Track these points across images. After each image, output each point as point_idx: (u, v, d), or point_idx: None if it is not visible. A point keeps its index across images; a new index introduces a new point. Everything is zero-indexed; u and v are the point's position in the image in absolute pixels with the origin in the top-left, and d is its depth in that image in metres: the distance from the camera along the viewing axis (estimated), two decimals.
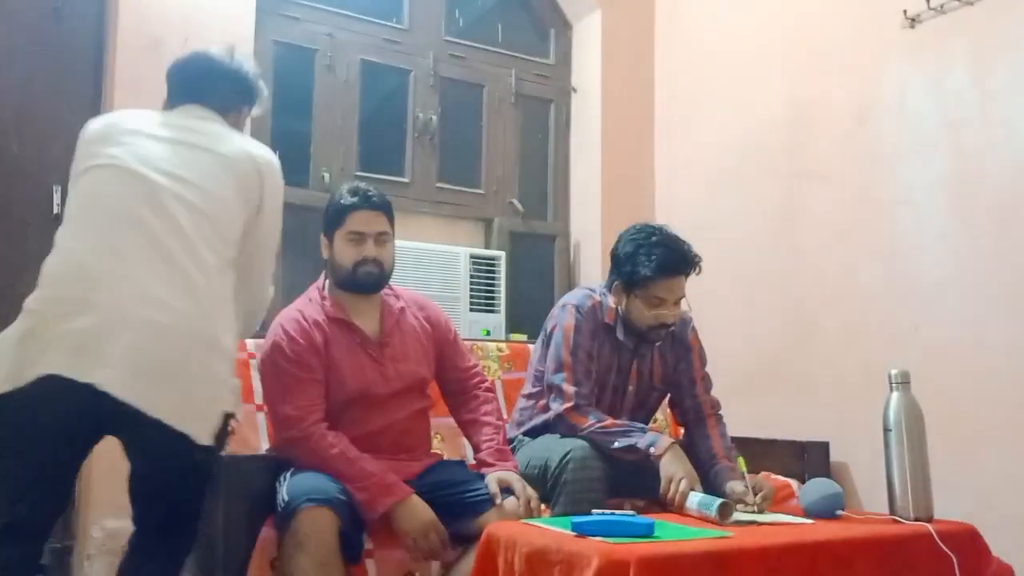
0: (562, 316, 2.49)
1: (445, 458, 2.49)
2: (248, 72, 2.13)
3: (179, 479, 1.82)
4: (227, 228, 1.88)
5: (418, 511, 2.08)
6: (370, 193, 2.32)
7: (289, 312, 2.29)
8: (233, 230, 1.89)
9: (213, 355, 1.78)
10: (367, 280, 2.29)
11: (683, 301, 2.46)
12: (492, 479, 2.21)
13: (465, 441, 2.53)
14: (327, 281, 2.36)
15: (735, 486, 2.27)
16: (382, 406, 2.27)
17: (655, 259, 2.37)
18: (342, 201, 2.30)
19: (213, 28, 3.19)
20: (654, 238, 2.40)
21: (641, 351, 2.53)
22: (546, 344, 2.52)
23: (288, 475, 2.09)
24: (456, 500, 2.19)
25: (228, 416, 1.83)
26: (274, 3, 3.49)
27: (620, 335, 2.49)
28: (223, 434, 1.83)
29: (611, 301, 2.49)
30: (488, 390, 2.48)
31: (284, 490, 2.04)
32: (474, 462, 2.38)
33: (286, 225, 3.09)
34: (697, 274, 2.44)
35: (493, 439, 2.34)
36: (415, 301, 2.49)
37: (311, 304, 2.31)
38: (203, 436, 1.74)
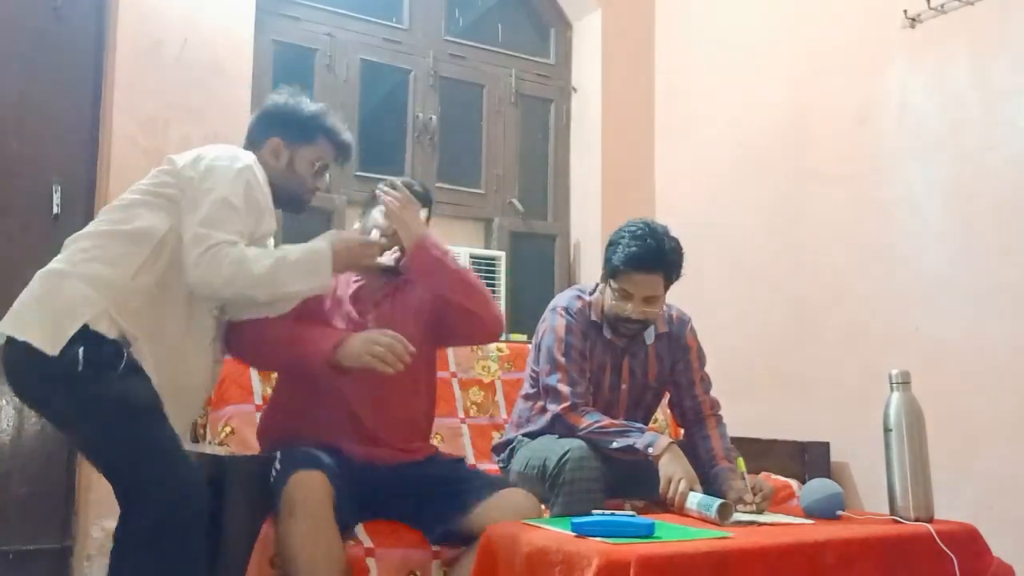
0: (552, 319, 2.50)
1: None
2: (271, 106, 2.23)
3: (40, 394, 1.91)
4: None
5: (358, 337, 2.06)
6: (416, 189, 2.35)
7: None
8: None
9: (55, 279, 1.89)
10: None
11: (656, 301, 2.41)
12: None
13: (465, 441, 2.52)
14: None
15: (735, 486, 2.27)
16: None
17: (627, 252, 2.36)
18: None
19: (213, 28, 3.20)
20: (638, 232, 2.39)
21: (632, 349, 2.53)
22: (539, 347, 2.52)
23: (279, 455, 2.07)
24: (455, 492, 2.16)
25: (89, 330, 1.83)
26: (274, 3, 3.49)
27: (607, 333, 2.49)
28: (96, 355, 1.83)
29: (599, 289, 2.50)
30: None
31: (276, 463, 2.03)
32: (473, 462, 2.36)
33: (286, 224, 3.09)
34: (676, 278, 2.42)
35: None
36: None
37: None
38: (45, 344, 1.80)
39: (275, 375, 2.42)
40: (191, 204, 1.93)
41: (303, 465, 1.95)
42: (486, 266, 3.73)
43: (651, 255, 2.36)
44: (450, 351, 2.98)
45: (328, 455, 2.05)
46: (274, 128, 2.16)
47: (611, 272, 2.41)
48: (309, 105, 2.20)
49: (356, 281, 2.31)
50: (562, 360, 2.42)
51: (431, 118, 3.85)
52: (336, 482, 1.97)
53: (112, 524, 1.88)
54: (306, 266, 2.01)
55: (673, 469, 2.23)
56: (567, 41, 4.25)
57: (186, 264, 1.90)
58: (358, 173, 3.67)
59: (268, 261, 1.95)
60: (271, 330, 2.09)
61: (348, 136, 2.25)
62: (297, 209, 2.25)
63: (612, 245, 2.42)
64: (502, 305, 3.72)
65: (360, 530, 2.06)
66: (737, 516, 2.06)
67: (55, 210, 2.99)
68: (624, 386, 2.54)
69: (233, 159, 2.00)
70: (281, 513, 1.93)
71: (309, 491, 1.91)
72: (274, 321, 2.08)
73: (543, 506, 2.21)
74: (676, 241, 2.43)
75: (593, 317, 2.49)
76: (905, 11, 3.06)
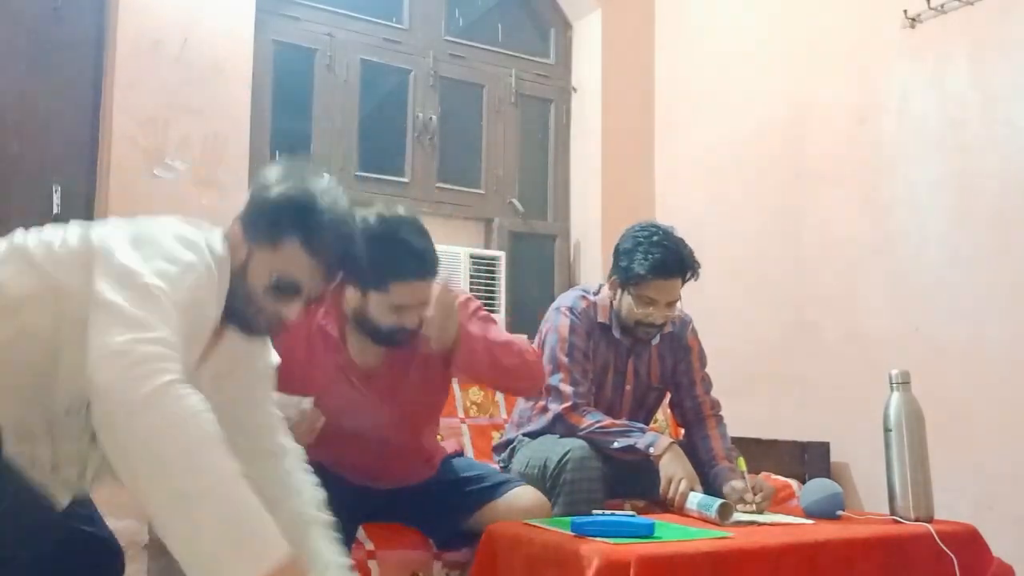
0: (556, 319, 2.49)
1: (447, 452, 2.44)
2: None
3: None
4: None
5: None
6: (424, 254, 1.94)
7: None
8: None
9: None
10: (401, 341, 2.00)
11: (676, 304, 2.44)
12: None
13: (465, 441, 2.51)
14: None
15: (735, 486, 2.27)
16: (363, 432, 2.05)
17: (651, 259, 2.36)
18: (387, 262, 1.85)
19: (213, 28, 3.20)
20: (655, 238, 2.40)
21: (637, 350, 2.53)
22: (542, 347, 2.52)
23: None
24: (461, 493, 2.14)
25: None
26: (274, 3, 3.49)
27: (616, 333, 2.49)
28: None
29: (606, 290, 2.50)
30: None
31: None
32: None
33: None
34: (695, 280, 2.43)
35: None
36: None
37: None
38: None
39: None
40: (109, 272, 1.33)
41: None
42: (486, 266, 3.73)
43: (675, 260, 2.38)
44: None
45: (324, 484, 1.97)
46: (246, 209, 1.52)
47: (633, 280, 2.39)
48: (305, 190, 1.48)
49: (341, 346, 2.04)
50: (565, 360, 2.42)
51: (431, 118, 3.85)
52: (331, 509, 1.84)
53: (116, 523, 1.85)
54: (240, 531, 1.21)
55: (674, 469, 2.24)
56: (567, 41, 4.25)
57: (90, 343, 1.26)
58: (358, 173, 3.66)
59: (214, 456, 1.22)
60: None
61: (349, 245, 1.52)
62: (244, 330, 1.54)
63: (629, 253, 2.41)
64: (502, 305, 3.73)
65: (361, 533, 2.05)
66: (737, 516, 2.06)
67: (55, 210, 2.99)
68: (628, 387, 2.54)
69: (183, 252, 1.39)
70: None
71: None
72: None
73: None
74: (686, 242, 2.44)
75: (599, 318, 2.49)
76: (905, 11, 3.06)
